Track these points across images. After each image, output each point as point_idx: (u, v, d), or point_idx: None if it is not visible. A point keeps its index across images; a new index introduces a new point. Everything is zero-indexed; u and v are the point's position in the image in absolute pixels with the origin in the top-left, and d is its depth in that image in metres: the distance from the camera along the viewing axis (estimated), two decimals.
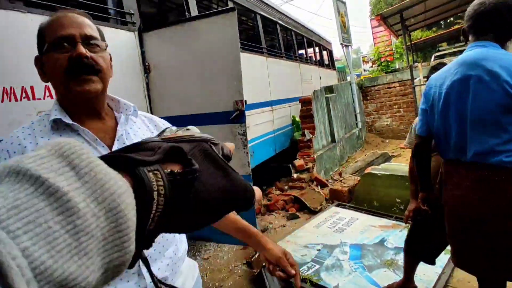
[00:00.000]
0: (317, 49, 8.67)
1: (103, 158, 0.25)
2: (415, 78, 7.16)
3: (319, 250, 2.72)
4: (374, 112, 7.79)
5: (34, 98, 1.76)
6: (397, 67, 10.14)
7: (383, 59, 9.37)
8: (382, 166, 3.98)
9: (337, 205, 3.74)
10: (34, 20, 1.80)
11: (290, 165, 4.78)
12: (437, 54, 13.71)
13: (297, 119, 5.29)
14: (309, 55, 8.23)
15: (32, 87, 1.76)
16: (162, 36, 2.49)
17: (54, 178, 0.21)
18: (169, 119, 2.65)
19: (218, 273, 2.68)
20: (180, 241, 0.83)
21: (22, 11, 1.76)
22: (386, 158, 5.44)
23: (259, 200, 0.40)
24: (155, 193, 0.27)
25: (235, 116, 2.25)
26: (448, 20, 22.65)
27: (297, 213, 3.78)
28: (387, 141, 7.52)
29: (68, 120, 0.73)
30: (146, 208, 0.26)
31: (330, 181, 4.69)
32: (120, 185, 0.24)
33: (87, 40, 0.75)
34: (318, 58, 8.68)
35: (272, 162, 4.83)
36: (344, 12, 6.99)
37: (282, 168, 4.92)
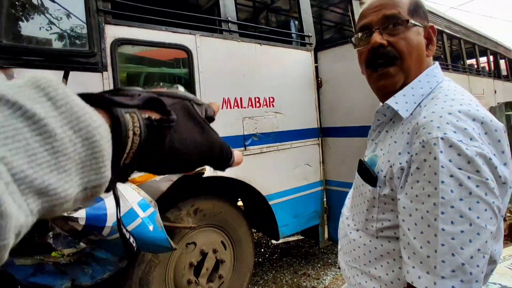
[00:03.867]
0: (491, 58, 7.32)
1: (80, 95, 0.26)
2: None
3: None
4: None
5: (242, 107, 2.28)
6: None
7: None
8: None
9: None
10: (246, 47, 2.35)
11: None
12: None
13: None
14: (482, 65, 7.02)
15: (241, 98, 2.28)
16: (334, 54, 2.74)
17: (31, 105, 0.21)
18: (336, 129, 2.84)
19: None
20: None
21: (237, 40, 2.32)
22: None
23: (238, 163, 0.41)
24: (131, 132, 0.28)
25: None
26: None
27: None
28: None
29: None
30: (121, 143, 0.27)
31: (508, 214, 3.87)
32: (95, 120, 0.24)
33: (387, 23, 0.72)
34: (493, 68, 7.30)
35: None
36: None
37: None
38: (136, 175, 1.87)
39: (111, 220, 1.62)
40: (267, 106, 2.41)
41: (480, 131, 0.59)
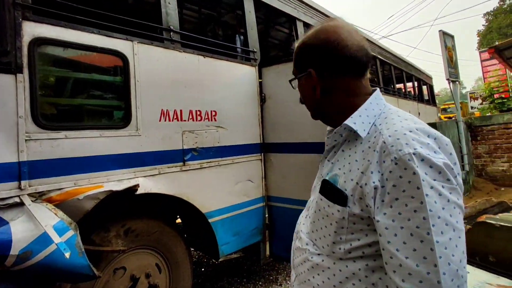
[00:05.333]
0: (416, 83, 8.23)
1: None
2: None
3: None
4: (486, 154, 6.86)
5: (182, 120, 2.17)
6: None
7: (497, 96, 8.29)
8: (501, 216, 3.46)
9: None
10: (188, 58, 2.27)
11: None
12: None
13: None
14: (408, 89, 7.84)
15: (181, 111, 2.17)
16: (277, 71, 2.78)
17: None
18: (279, 145, 2.86)
19: None
20: None
21: (179, 50, 2.22)
22: (504, 208, 4.68)
23: None
24: None
25: None
26: None
27: None
28: (502, 188, 6.48)
29: None
30: None
31: None
32: None
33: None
34: (417, 93, 8.20)
35: None
36: (452, 46, 6.55)
37: None
38: (54, 193, 1.63)
39: (17, 248, 1.38)
40: (208, 120, 2.33)
41: (435, 145, 0.64)
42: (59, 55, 1.76)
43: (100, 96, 1.96)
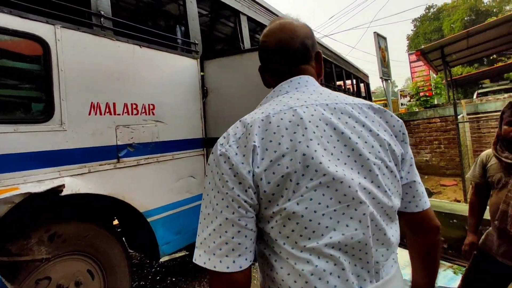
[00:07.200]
0: (355, 81, 8.78)
1: None
2: (459, 115, 6.96)
3: None
4: (413, 146, 7.61)
5: (115, 113, 2.01)
6: (435, 102, 9.92)
7: (422, 94, 9.24)
8: None
9: None
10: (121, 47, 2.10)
11: None
12: (480, 91, 13.25)
13: None
14: (347, 87, 8.33)
15: (114, 104, 2.01)
16: (220, 64, 2.73)
17: None
18: None
19: None
20: None
21: (111, 38, 2.05)
22: (427, 194, 5.25)
23: None
24: None
25: None
26: (491, 57, 21.99)
27: None
28: (425, 177, 7.26)
29: None
30: None
31: None
32: None
33: None
34: (355, 90, 8.76)
35: None
36: (385, 47, 7.09)
37: None
38: None
39: None
40: (146, 114, 2.20)
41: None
42: None
43: (14, 86, 1.72)
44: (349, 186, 0.64)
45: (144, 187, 2.17)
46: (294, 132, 0.65)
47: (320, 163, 0.63)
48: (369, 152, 0.68)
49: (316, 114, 0.68)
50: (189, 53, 2.66)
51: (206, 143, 2.71)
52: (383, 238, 0.69)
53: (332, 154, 0.65)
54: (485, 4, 29.72)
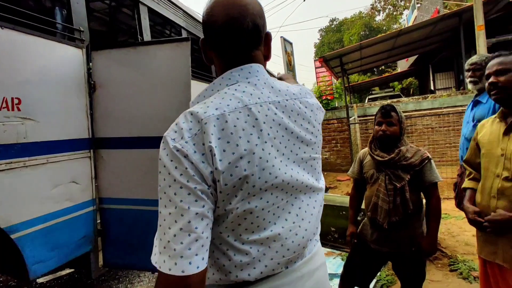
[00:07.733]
0: None
1: None
2: (351, 117, 7.90)
3: None
4: None
5: None
6: (336, 105, 11.07)
7: (324, 97, 10.17)
8: None
9: None
10: None
11: None
12: (370, 96, 15.36)
13: None
14: None
15: None
16: (112, 56, 2.46)
17: None
18: (114, 140, 2.57)
19: None
20: None
21: None
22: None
23: None
24: None
25: None
26: (380, 68, 25.82)
27: None
28: (324, 173, 8.02)
29: None
30: None
31: None
32: None
33: None
34: None
35: None
36: (291, 51, 7.55)
37: None
38: None
39: None
40: (8, 110, 1.82)
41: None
42: None
43: None
44: (292, 186, 0.73)
45: (7, 198, 1.80)
46: (251, 134, 0.67)
47: (273, 165, 0.68)
48: (312, 148, 0.78)
49: (269, 114, 0.71)
50: (71, 41, 2.32)
51: (94, 144, 2.41)
52: (315, 224, 0.80)
53: (283, 154, 0.71)
54: (376, 22, 34.64)
